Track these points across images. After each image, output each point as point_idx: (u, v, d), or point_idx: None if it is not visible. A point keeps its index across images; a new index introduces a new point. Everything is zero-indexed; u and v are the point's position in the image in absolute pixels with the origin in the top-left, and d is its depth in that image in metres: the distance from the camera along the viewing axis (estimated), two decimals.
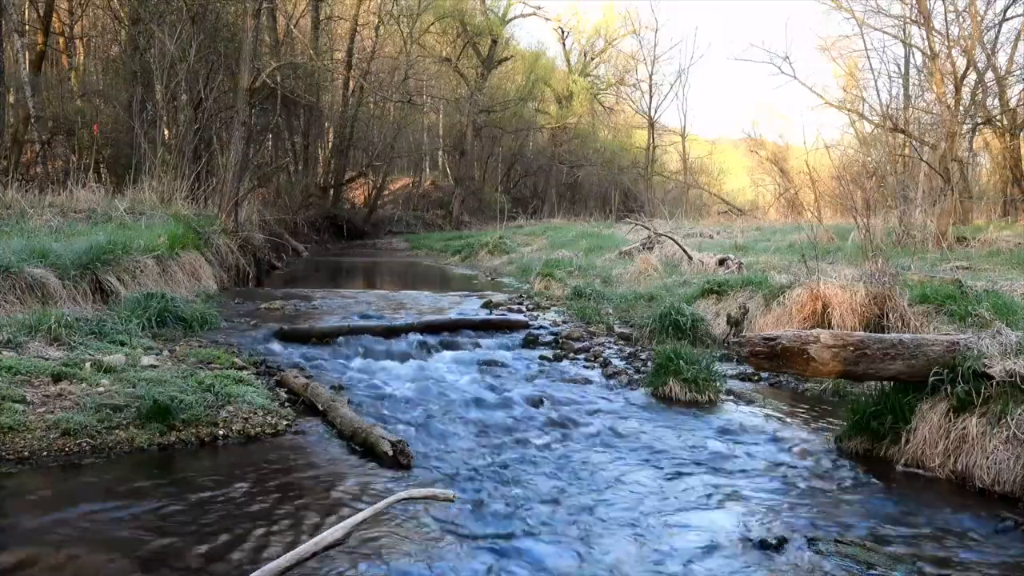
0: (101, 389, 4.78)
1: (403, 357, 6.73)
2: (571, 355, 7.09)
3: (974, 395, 4.10)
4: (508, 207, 31.88)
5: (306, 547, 2.93)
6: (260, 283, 12.70)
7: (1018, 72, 18.68)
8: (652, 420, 5.25)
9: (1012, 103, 18.12)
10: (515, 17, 37.55)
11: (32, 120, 15.67)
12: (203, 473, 3.98)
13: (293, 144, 26.74)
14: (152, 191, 12.44)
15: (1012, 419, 3.91)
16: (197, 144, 15.30)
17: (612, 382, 6.24)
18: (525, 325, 8.12)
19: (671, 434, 4.94)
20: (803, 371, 4.43)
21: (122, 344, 5.90)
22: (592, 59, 42.16)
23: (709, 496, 3.92)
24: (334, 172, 29.99)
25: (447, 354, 6.94)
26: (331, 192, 29.70)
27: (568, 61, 41.97)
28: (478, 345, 7.32)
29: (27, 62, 16.18)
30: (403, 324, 7.50)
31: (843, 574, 3.08)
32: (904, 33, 20.92)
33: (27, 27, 17.47)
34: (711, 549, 3.31)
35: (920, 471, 4.24)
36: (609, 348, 7.44)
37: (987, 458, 3.96)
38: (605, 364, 6.76)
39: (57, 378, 4.88)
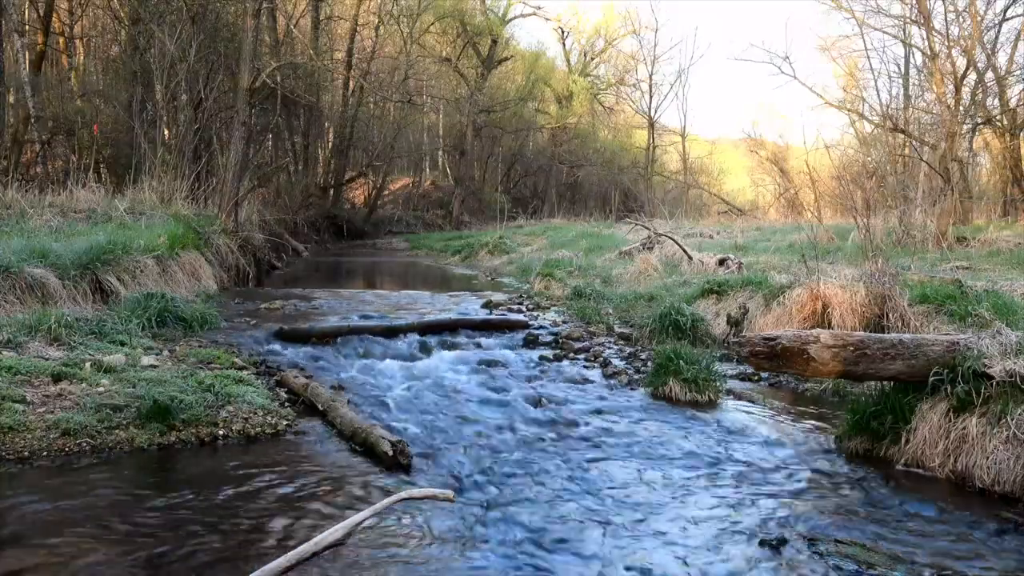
0: (101, 389, 4.78)
1: (403, 357, 6.73)
2: (571, 355, 7.09)
3: (974, 395, 4.10)
4: (508, 207, 31.86)
5: (306, 547, 2.93)
6: (260, 283, 12.70)
7: (1018, 72, 18.70)
8: (652, 420, 5.25)
9: (1012, 103, 18.12)
10: (515, 17, 37.59)
11: (32, 120, 15.67)
12: (203, 473, 3.98)
13: (293, 144, 26.74)
14: (152, 191, 12.44)
15: (1012, 419, 3.90)
16: (197, 144, 15.29)
17: (612, 382, 6.24)
18: (525, 325, 8.11)
19: (671, 434, 4.94)
20: (803, 371, 4.42)
21: (122, 344, 5.90)
22: (592, 59, 42.17)
23: (709, 496, 3.92)
24: (334, 172, 29.99)
25: (447, 354, 6.93)
26: (331, 192, 29.70)
27: (568, 61, 41.98)
28: (478, 345, 7.31)
29: (27, 62, 16.18)
30: (403, 324, 7.49)
31: (843, 574, 3.08)
32: (904, 33, 20.94)
33: (27, 27, 17.47)
34: (711, 549, 3.31)
35: (920, 471, 4.24)
36: (609, 348, 7.43)
37: (987, 458, 3.96)
38: (605, 364, 6.76)
39: (57, 378, 4.88)
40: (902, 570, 3.10)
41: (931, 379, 4.29)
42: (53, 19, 18.12)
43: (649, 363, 6.54)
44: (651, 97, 40.24)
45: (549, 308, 9.54)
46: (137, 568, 2.96)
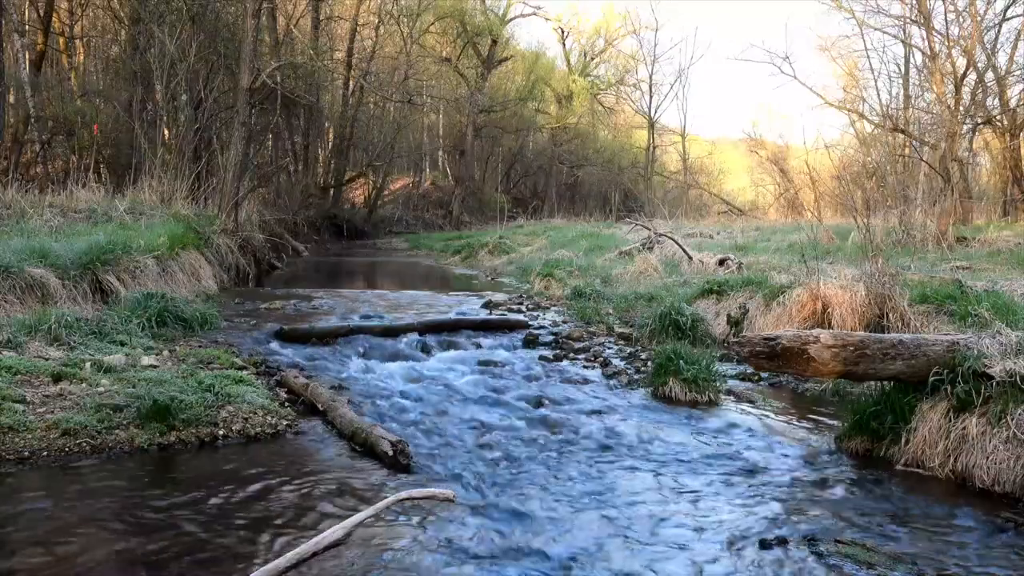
0: (101, 389, 4.78)
1: (403, 357, 6.73)
2: (571, 355, 7.09)
3: (974, 395, 4.10)
4: (508, 207, 31.91)
5: (306, 547, 2.93)
6: (260, 283, 12.70)
7: (1018, 72, 18.70)
8: (652, 420, 5.25)
9: (1012, 103, 18.12)
10: (515, 17, 37.59)
11: (32, 120, 15.68)
12: (203, 473, 3.98)
13: (293, 144, 26.76)
14: (152, 191, 12.45)
15: (1012, 419, 3.90)
16: (197, 144, 15.31)
17: (612, 382, 6.23)
18: (525, 325, 8.11)
19: (671, 434, 4.94)
20: (803, 371, 4.42)
21: (122, 344, 5.90)
22: (592, 59, 42.17)
23: (708, 496, 3.92)
24: (334, 172, 30.01)
25: (447, 354, 6.93)
26: (331, 192, 29.72)
27: (568, 61, 41.99)
28: (478, 345, 7.31)
29: (27, 62, 16.20)
30: (403, 324, 7.49)
31: (843, 574, 3.08)
32: (904, 33, 20.95)
33: (27, 27, 17.49)
34: (711, 549, 3.31)
35: (920, 471, 4.24)
36: (609, 348, 7.43)
37: (987, 458, 3.96)
38: (605, 364, 6.75)
39: (57, 378, 4.88)
40: (902, 570, 3.10)
41: (931, 379, 4.29)
42: (53, 19, 18.13)
43: (649, 363, 6.54)
44: (651, 97, 40.33)
45: (549, 308, 9.54)
46: (137, 568, 2.96)
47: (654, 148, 40.27)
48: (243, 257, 11.97)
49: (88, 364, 5.19)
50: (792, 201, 26.76)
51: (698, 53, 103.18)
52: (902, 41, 21.51)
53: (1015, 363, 4.05)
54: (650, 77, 40.01)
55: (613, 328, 8.24)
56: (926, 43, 19.03)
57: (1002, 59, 18.81)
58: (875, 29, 21.35)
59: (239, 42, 15.48)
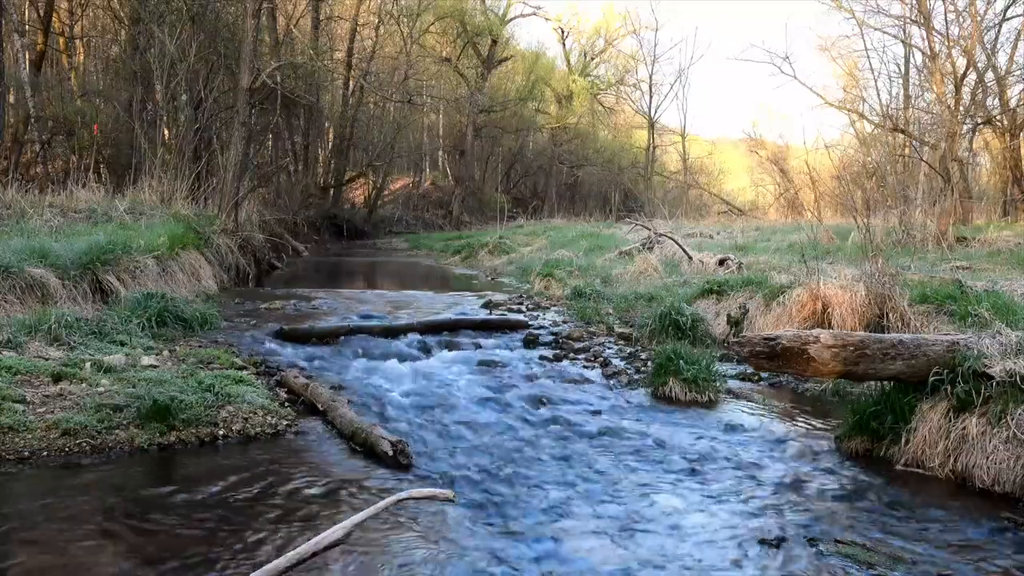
0: (101, 389, 4.78)
1: (403, 357, 6.72)
2: (571, 355, 7.09)
3: (974, 395, 4.10)
4: (508, 207, 31.91)
5: (306, 547, 2.93)
6: (260, 283, 12.70)
7: (1018, 72, 18.70)
8: (652, 420, 5.25)
9: (1012, 103, 18.12)
10: (515, 17, 37.58)
11: (32, 120, 15.68)
12: (203, 473, 3.98)
13: (293, 144, 26.76)
14: (152, 191, 12.46)
15: (1012, 419, 3.90)
16: (197, 144, 15.31)
17: (612, 382, 6.23)
18: (525, 325, 8.11)
19: (671, 434, 4.94)
20: (803, 371, 4.42)
21: (122, 344, 5.90)
22: (592, 59, 42.17)
23: (709, 496, 3.92)
24: (334, 172, 30.01)
25: (447, 354, 6.93)
26: (331, 192, 29.72)
27: (568, 61, 41.99)
28: (478, 345, 7.31)
29: (27, 62, 16.20)
30: (403, 324, 7.49)
31: (843, 574, 3.08)
32: (904, 33, 20.95)
33: (27, 27, 17.49)
34: (711, 549, 3.31)
35: (920, 471, 4.24)
36: (609, 348, 7.43)
37: (987, 458, 3.96)
38: (605, 364, 6.75)
39: (57, 378, 4.88)
40: (902, 570, 3.10)
41: (931, 379, 4.29)
42: (53, 19, 18.13)
43: (649, 363, 6.54)
44: (651, 97, 40.33)
45: (549, 308, 9.54)
46: (137, 568, 2.96)
47: (654, 148, 40.28)
48: (243, 257, 11.97)
49: (88, 364, 5.19)
50: (792, 201, 26.78)
51: (698, 53, 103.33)
52: (902, 41, 21.54)
53: (1015, 363, 4.05)
54: (650, 77, 40.07)
55: (613, 328, 8.24)
56: (926, 43, 19.05)
57: (1002, 59, 18.84)
58: (875, 29, 21.38)
59: (239, 42, 15.48)
